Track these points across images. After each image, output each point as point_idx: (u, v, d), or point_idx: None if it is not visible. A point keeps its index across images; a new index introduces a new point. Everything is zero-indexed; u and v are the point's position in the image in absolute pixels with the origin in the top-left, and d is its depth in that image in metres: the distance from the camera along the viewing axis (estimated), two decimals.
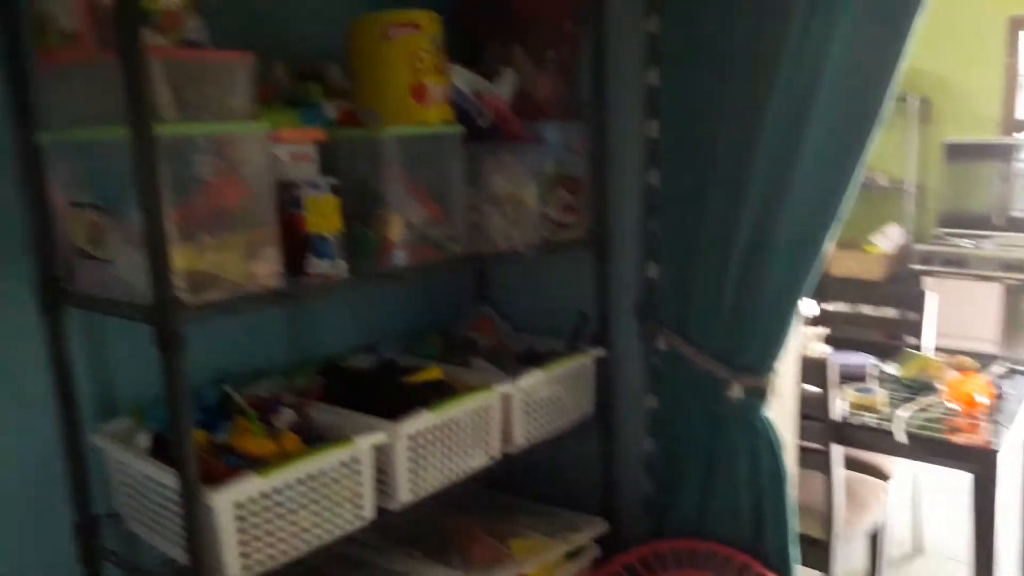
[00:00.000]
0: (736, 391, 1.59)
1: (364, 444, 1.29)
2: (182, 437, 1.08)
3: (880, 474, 2.63)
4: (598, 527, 1.77)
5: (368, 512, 1.33)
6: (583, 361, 1.76)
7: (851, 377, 2.55)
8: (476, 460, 1.52)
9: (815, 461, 2.27)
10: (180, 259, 1.14)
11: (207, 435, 1.32)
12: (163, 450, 1.25)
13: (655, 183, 1.73)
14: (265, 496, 1.17)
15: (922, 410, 2.33)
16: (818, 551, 2.28)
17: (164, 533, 1.24)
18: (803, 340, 2.70)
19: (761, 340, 1.58)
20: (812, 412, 2.25)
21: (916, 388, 2.53)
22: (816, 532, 2.28)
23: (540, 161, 1.70)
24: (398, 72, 1.46)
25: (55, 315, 1.32)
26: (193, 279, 1.16)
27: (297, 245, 1.34)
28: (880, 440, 2.24)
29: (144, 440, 1.29)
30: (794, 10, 1.42)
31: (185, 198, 1.16)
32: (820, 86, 1.44)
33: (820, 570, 2.29)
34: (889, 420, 2.23)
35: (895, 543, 3.22)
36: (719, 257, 1.58)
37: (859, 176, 1.47)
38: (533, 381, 1.61)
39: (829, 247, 1.52)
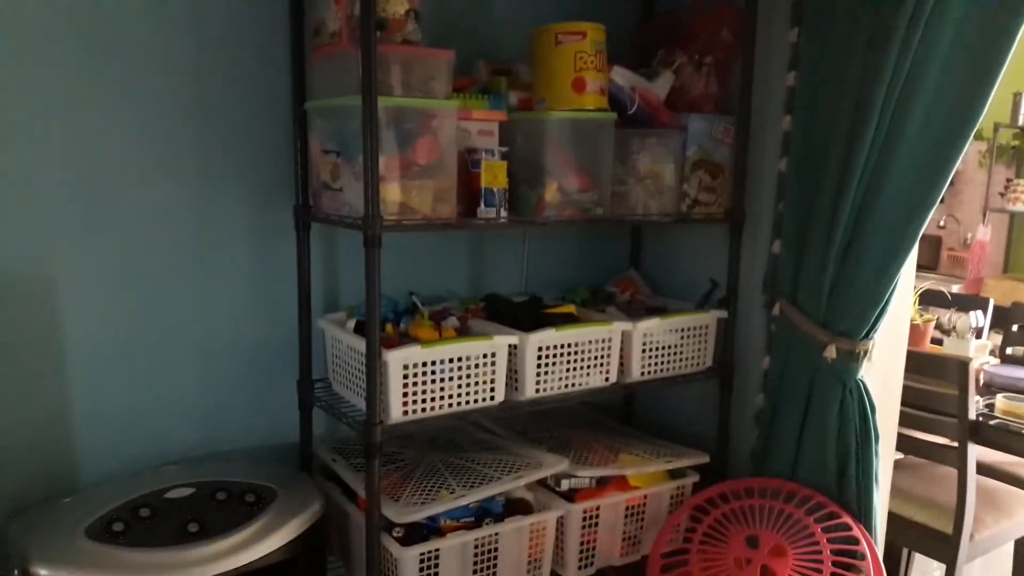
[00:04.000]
0: (831, 352, 1.80)
1: (501, 342, 1.71)
2: (372, 312, 1.56)
3: None
4: (699, 458, 2.05)
5: (499, 396, 1.74)
6: (704, 319, 2.04)
7: (1019, 390, 2.56)
8: (594, 380, 1.87)
9: (952, 458, 2.34)
10: (390, 192, 1.63)
11: (394, 327, 1.81)
12: (361, 331, 1.75)
13: (785, 170, 1.97)
14: (424, 364, 1.63)
15: None
16: (947, 546, 2.35)
17: (355, 389, 1.75)
18: (970, 349, 2.74)
19: (857, 310, 1.77)
20: (951, 410, 2.34)
21: None
22: (947, 528, 2.36)
23: (682, 146, 2.02)
24: (563, 69, 1.84)
25: (304, 231, 1.89)
26: (398, 208, 1.64)
27: (473, 195, 1.79)
28: (1016, 442, 2.28)
29: (351, 325, 1.81)
30: (898, 27, 1.62)
31: (398, 151, 1.64)
32: (919, 94, 1.64)
33: (947, 564, 2.36)
34: None
35: None
36: (826, 236, 1.80)
37: (951, 171, 1.65)
38: (651, 325, 1.93)
39: (920, 234, 1.71)
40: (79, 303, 1.72)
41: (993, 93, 1.62)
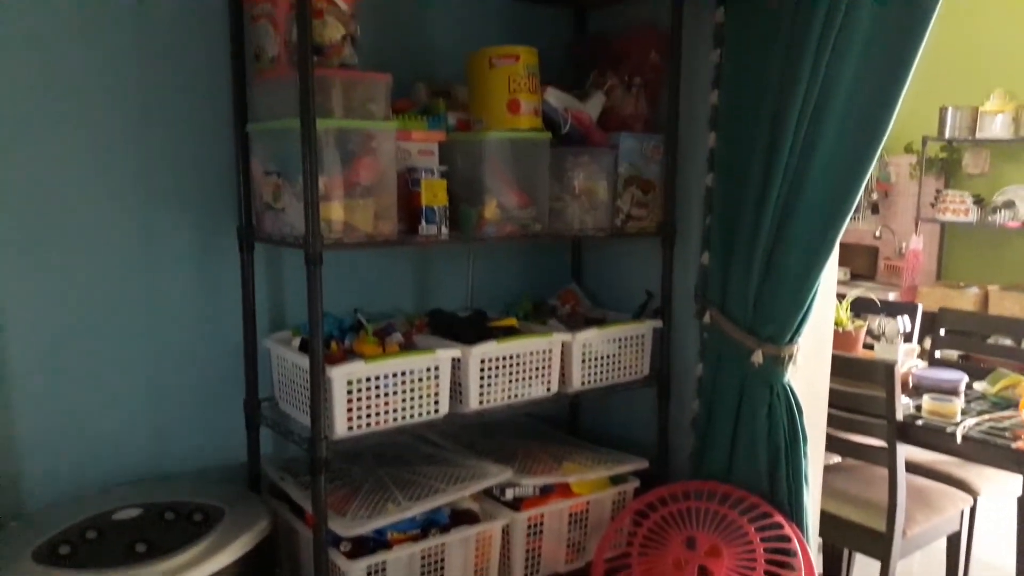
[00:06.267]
0: (758, 357, 1.89)
1: (444, 356, 1.76)
2: (315, 328, 1.60)
3: (968, 489, 2.72)
4: (639, 464, 2.12)
5: (443, 409, 1.79)
6: (640, 329, 2.12)
7: (944, 391, 2.68)
8: (536, 391, 1.94)
9: (883, 458, 2.45)
10: (332, 212, 1.67)
11: (339, 344, 1.85)
12: (306, 349, 1.79)
13: (711, 185, 2.07)
14: (368, 379, 1.67)
15: (994, 421, 2.44)
16: (881, 543, 2.45)
17: (300, 407, 1.78)
18: (899, 353, 2.86)
19: (781, 316, 1.87)
20: (881, 412, 2.45)
21: (1000, 405, 2.63)
22: (880, 526, 2.46)
23: (614, 163, 2.11)
24: (498, 91, 1.92)
25: (248, 252, 1.92)
26: (341, 227, 1.68)
27: (414, 213, 1.85)
28: (941, 439, 2.40)
29: (296, 343, 1.84)
30: (809, 45, 1.74)
31: (340, 172, 1.69)
32: (831, 107, 1.75)
33: (882, 560, 2.45)
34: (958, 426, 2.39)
35: (991, 568, 3.20)
36: (749, 247, 1.90)
37: (863, 181, 1.76)
38: (590, 336, 2.00)
39: (837, 242, 1.82)
40: (23, 326, 1.72)
41: (898, 105, 1.72)
